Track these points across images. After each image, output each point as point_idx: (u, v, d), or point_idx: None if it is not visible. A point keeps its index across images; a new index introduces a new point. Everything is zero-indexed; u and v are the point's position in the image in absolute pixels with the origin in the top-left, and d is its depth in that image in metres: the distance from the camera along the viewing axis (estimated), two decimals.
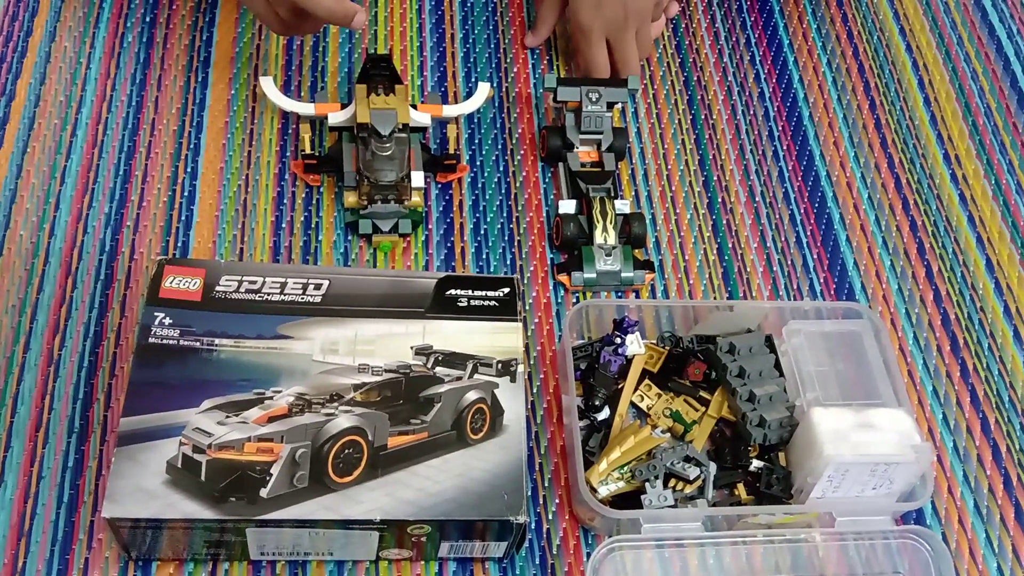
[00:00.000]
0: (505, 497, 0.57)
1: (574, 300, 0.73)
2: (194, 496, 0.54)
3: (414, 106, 0.75)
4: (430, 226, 0.75)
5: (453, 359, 0.62)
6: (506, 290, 0.65)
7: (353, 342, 0.62)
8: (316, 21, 0.73)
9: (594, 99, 0.78)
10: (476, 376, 0.62)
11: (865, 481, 0.63)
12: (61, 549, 0.59)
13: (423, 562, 0.61)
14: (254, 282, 0.63)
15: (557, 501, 0.64)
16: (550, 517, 0.64)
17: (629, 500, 0.63)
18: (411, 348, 0.62)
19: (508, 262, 0.75)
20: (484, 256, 0.75)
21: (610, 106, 0.78)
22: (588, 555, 0.62)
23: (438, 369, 0.62)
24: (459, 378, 0.62)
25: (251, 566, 0.59)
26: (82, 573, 0.58)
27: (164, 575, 0.58)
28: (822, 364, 0.68)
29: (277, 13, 0.71)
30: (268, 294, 0.63)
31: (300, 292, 0.63)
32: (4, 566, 0.58)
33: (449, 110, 0.77)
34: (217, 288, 0.62)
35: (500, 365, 0.62)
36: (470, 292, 0.65)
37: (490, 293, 0.65)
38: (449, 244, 0.75)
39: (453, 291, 0.65)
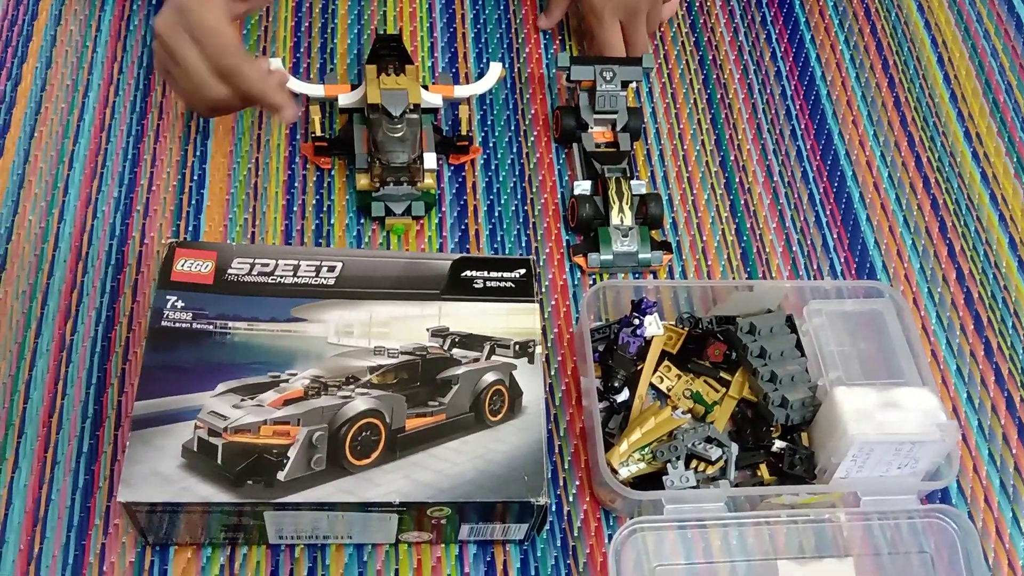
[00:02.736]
0: (525, 479, 0.56)
1: (591, 282, 0.72)
2: (211, 480, 0.54)
3: (425, 87, 0.74)
4: (443, 208, 0.74)
5: (470, 341, 0.61)
6: (522, 271, 0.64)
7: (368, 324, 0.61)
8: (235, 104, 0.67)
9: (608, 78, 0.76)
10: (493, 358, 0.61)
11: (890, 460, 0.62)
12: (77, 535, 0.58)
13: (443, 545, 0.60)
14: (267, 265, 0.62)
15: (577, 483, 0.63)
16: (571, 499, 0.63)
17: (650, 481, 0.63)
18: (427, 330, 0.61)
19: (523, 244, 0.74)
20: (499, 238, 0.74)
21: (624, 85, 0.77)
22: (610, 537, 0.62)
23: (455, 351, 0.61)
24: (476, 360, 0.61)
25: (270, 550, 0.58)
26: (99, 559, 0.57)
27: (182, 560, 0.58)
28: (844, 343, 0.67)
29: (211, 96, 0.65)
30: (281, 277, 0.62)
31: (313, 274, 0.62)
32: (20, 552, 0.57)
33: (461, 90, 0.76)
34: (229, 271, 0.61)
35: (518, 346, 0.61)
36: (486, 273, 0.64)
37: (506, 274, 0.64)
38: (463, 227, 0.74)
39: (469, 272, 0.64)
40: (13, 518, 0.58)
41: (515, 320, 0.62)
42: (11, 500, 0.59)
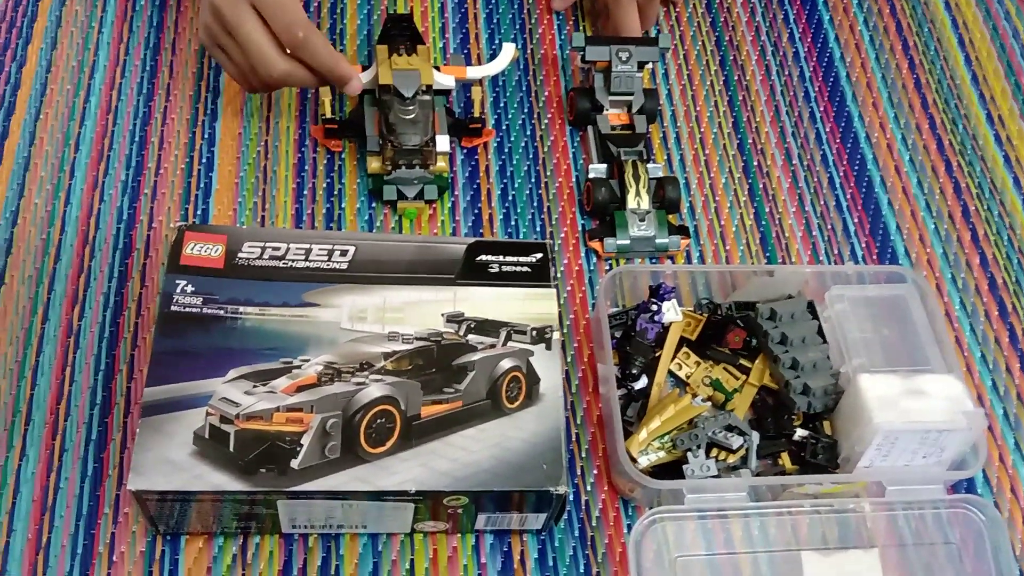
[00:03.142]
0: (544, 467, 0.55)
1: (606, 267, 0.71)
2: (223, 467, 0.52)
3: (437, 68, 0.72)
4: (456, 192, 0.73)
5: (486, 326, 0.60)
6: (539, 255, 0.63)
7: (382, 309, 0.60)
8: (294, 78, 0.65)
9: (624, 58, 0.75)
10: (510, 344, 0.60)
11: (915, 449, 0.60)
12: (86, 524, 0.57)
13: (459, 534, 0.59)
14: (278, 248, 0.61)
15: (595, 472, 0.62)
16: (588, 488, 0.61)
17: (669, 471, 0.61)
18: (442, 315, 0.60)
19: (538, 229, 0.72)
20: (513, 223, 0.72)
21: (641, 66, 0.75)
22: (628, 527, 0.60)
23: (470, 336, 0.60)
24: (492, 346, 0.59)
25: (283, 539, 0.57)
26: (108, 548, 0.56)
27: (193, 549, 0.57)
28: (866, 330, 0.66)
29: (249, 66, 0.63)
30: (293, 261, 0.60)
31: (326, 259, 0.61)
32: (28, 542, 0.56)
33: (473, 72, 0.74)
34: (240, 255, 0.60)
35: (534, 332, 0.60)
36: (501, 258, 0.63)
37: (522, 259, 0.63)
38: (476, 211, 0.72)
39: (484, 257, 0.63)
40: (21, 507, 0.57)
41: (532, 305, 0.61)
42: (18, 488, 0.58)
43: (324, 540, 0.58)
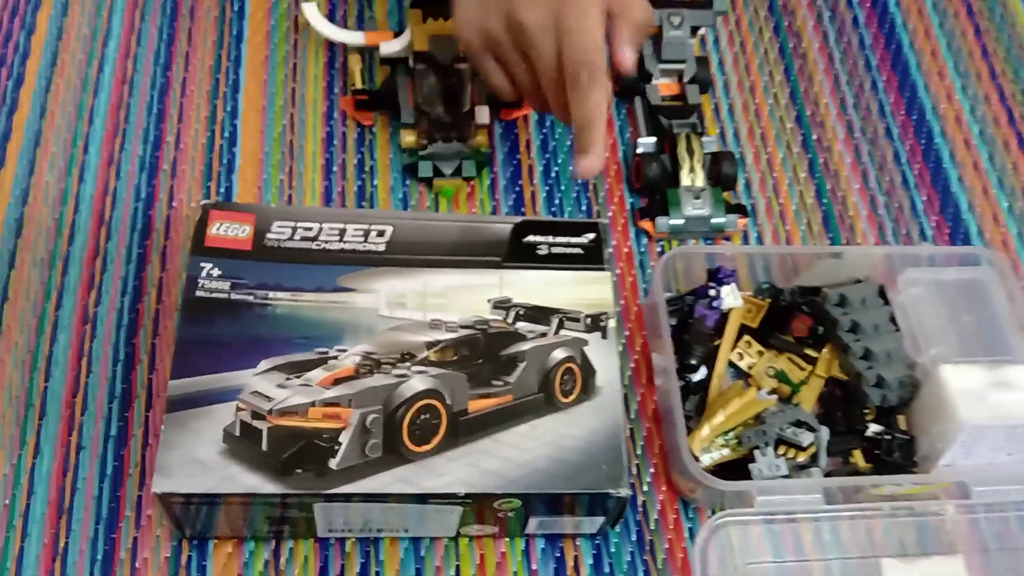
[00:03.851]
0: (603, 467, 0.50)
1: (658, 248, 0.66)
2: (255, 468, 0.48)
3: None
4: (495, 168, 0.68)
5: (536, 313, 0.55)
6: (591, 235, 0.58)
7: (423, 295, 0.55)
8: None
9: (676, 23, 0.69)
10: (562, 332, 0.55)
11: (1000, 447, 0.56)
12: (106, 527, 0.53)
13: (507, 538, 0.54)
14: (310, 229, 0.56)
15: (652, 471, 0.58)
16: (645, 489, 0.57)
17: (730, 469, 0.57)
18: (488, 301, 0.55)
19: (583, 208, 0.67)
20: (557, 201, 0.67)
21: (694, 31, 0.70)
22: (689, 530, 0.56)
23: (519, 324, 0.55)
24: (544, 334, 0.55)
25: (318, 544, 0.53)
26: (130, 554, 0.52)
27: (222, 555, 0.52)
28: (943, 316, 0.61)
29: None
30: (326, 242, 0.56)
31: (361, 240, 0.56)
32: (44, 547, 0.52)
33: None
34: (269, 235, 0.55)
35: (589, 320, 0.55)
36: (551, 238, 0.58)
37: (573, 239, 0.58)
38: (517, 188, 0.67)
39: (532, 237, 0.58)
40: (35, 509, 0.53)
41: (585, 290, 0.56)
42: (33, 489, 0.53)
43: (362, 544, 0.53)
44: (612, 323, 0.55)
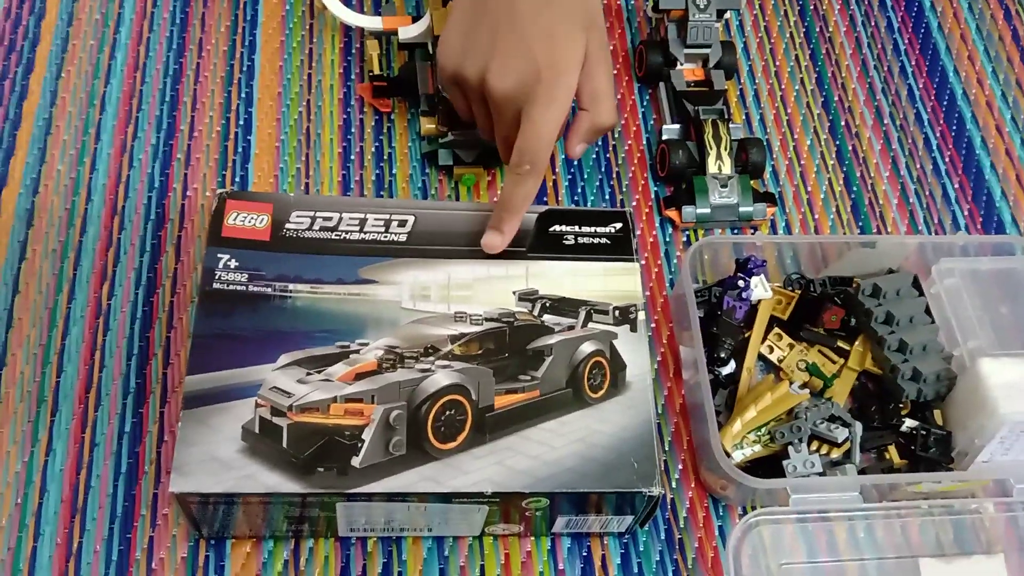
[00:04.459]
0: (635, 465, 0.49)
1: (684, 238, 0.64)
2: (275, 466, 0.47)
3: None
4: None
5: (563, 305, 0.54)
6: (619, 225, 0.56)
7: (446, 287, 0.53)
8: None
9: (702, 6, 0.67)
10: (591, 325, 0.53)
11: None
12: (121, 527, 0.51)
13: (533, 537, 0.53)
14: (329, 219, 0.54)
15: (680, 467, 0.56)
16: (674, 485, 0.55)
17: (762, 466, 0.55)
18: (513, 293, 0.54)
19: (607, 196, 0.65)
20: (580, 190, 0.66)
21: (720, 15, 0.68)
22: (720, 528, 0.54)
23: (546, 317, 0.53)
24: (571, 327, 0.53)
25: (339, 543, 0.52)
26: (146, 554, 0.51)
27: (240, 554, 0.51)
28: (979, 307, 0.59)
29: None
30: (346, 232, 0.54)
31: (382, 230, 0.55)
32: (58, 547, 0.50)
33: None
34: (287, 226, 0.54)
35: (617, 312, 0.54)
36: (577, 228, 0.56)
37: (600, 229, 0.56)
38: None
39: (558, 227, 0.56)
40: (48, 508, 0.51)
41: (613, 281, 0.55)
42: (46, 487, 0.52)
43: (384, 543, 0.52)
44: (642, 316, 0.54)
